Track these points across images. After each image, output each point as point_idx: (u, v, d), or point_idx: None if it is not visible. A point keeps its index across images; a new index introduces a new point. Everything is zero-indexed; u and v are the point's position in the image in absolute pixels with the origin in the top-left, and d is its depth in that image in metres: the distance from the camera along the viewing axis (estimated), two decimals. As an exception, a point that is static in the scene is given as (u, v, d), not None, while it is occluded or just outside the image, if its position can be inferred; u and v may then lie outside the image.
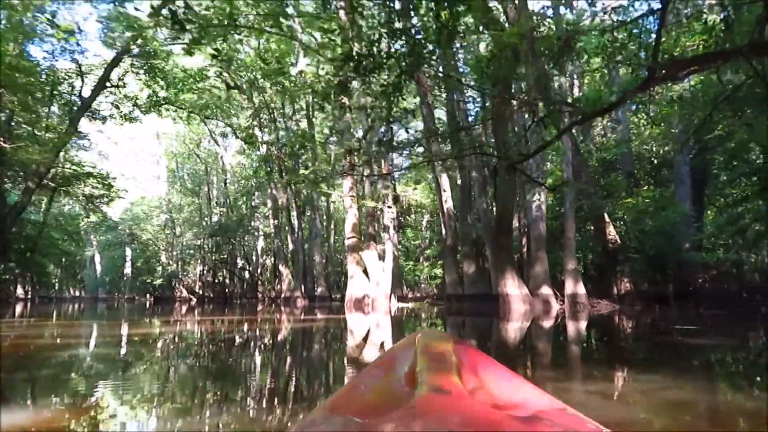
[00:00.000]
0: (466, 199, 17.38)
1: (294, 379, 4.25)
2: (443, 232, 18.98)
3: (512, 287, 13.40)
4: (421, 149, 16.62)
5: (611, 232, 15.91)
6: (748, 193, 17.50)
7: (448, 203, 17.98)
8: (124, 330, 9.67)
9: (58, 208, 41.38)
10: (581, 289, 13.84)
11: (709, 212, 19.60)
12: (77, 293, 60.96)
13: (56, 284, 58.80)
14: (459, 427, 0.66)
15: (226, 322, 11.76)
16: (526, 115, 14.94)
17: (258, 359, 5.42)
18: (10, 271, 26.99)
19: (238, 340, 7.77)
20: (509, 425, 0.71)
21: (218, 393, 3.53)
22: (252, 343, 7.23)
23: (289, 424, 2.60)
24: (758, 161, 16.98)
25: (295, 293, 26.99)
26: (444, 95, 17.54)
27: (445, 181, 18.02)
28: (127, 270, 50.99)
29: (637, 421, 2.70)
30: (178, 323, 11.86)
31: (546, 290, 14.17)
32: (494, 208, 16.97)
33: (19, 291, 46.92)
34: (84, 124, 27.75)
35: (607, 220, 16.04)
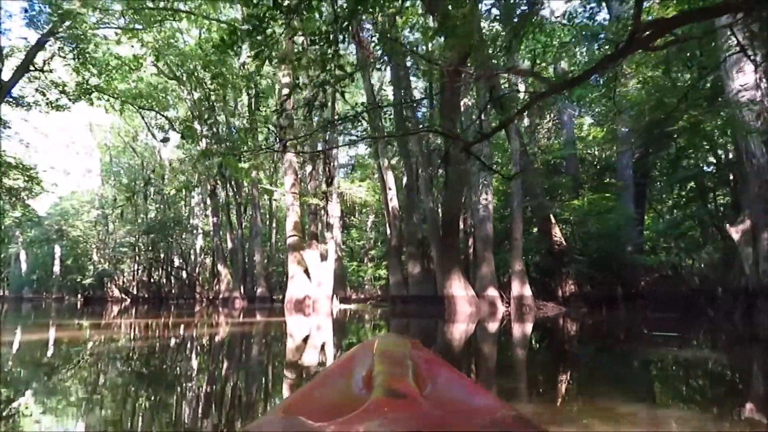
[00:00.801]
0: (412, 198, 16.91)
1: (230, 384, 4.01)
2: (388, 231, 18.46)
3: (458, 288, 12.97)
4: (361, 127, 15.74)
5: (557, 233, 15.78)
6: (685, 199, 17.91)
7: (394, 202, 17.46)
8: (51, 333, 8.82)
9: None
10: (528, 291, 13.57)
11: (647, 216, 19.93)
12: (1, 292, 57.29)
13: (-24, 282, 55.13)
14: (412, 429, 0.67)
15: (161, 325, 10.89)
16: (473, 100, 14.58)
17: (193, 365, 5.06)
18: None
19: (172, 343, 7.18)
20: (462, 428, 0.74)
21: (149, 400, 3.34)
22: (187, 348, 6.67)
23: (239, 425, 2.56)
24: (698, 166, 17.39)
25: (233, 294, 25.85)
26: (386, 68, 16.44)
27: (390, 179, 17.49)
28: (56, 268, 48.24)
29: None
30: (109, 326, 10.87)
31: (492, 292, 13.81)
32: (440, 209, 16.58)
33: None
34: (7, 112, 25.86)
35: (553, 221, 15.91)
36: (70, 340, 7.85)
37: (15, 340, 7.58)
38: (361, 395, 0.93)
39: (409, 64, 15.40)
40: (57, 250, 46.76)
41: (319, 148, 16.85)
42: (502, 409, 0.94)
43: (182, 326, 10.56)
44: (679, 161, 17.18)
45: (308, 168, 19.22)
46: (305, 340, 7.59)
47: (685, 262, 17.57)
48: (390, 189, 17.37)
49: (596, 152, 21.37)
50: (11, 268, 55.65)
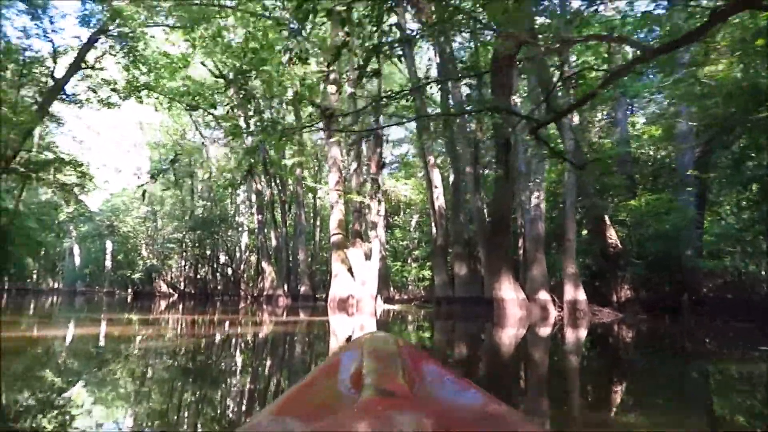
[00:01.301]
0: (458, 197, 16.40)
1: (273, 383, 3.90)
2: (434, 231, 18.00)
3: (508, 291, 12.40)
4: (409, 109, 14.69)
5: (612, 235, 15.01)
6: (750, 201, 16.79)
7: (440, 201, 16.98)
8: (102, 327, 8.77)
9: (36, 197, 40.13)
10: (582, 295, 12.86)
11: (708, 218, 18.85)
12: (55, 285, 59.39)
13: (34, 276, 57.26)
14: (403, 428, 0.66)
15: (206, 321, 10.81)
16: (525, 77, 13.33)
17: (235, 362, 4.95)
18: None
19: (217, 340, 7.11)
20: (453, 427, 0.72)
21: (188, 395, 3.32)
22: (231, 345, 6.54)
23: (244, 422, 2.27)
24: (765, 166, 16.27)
25: (277, 291, 25.89)
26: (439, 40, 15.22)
27: (436, 177, 17.02)
28: (108, 263, 49.66)
29: None
30: (156, 321, 10.85)
31: (544, 295, 13.17)
32: (486, 208, 16.02)
33: (-5, 281, 45.59)
34: (61, 109, 26.62)
35: (608, 222, 15.14)
36: (120, 334, 7.78)
37: (68, 333, 7.56)
38: (350, 395, 0.92)
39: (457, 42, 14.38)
40: (108, 245, 48.11)
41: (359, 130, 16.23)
42: (493, 405, 0.91)
43: (227, 323, 10.43)
44: (742, 161, 16.13)
45: (353, 165, 18.92)
46: (348, 340, 7.27)
47: (749, 267, 16.49)
48: (436, 187, 16.90)
49: (650, 151, 20.40)
50: (65, 262, 57.66)
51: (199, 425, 2.58)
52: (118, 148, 46.56)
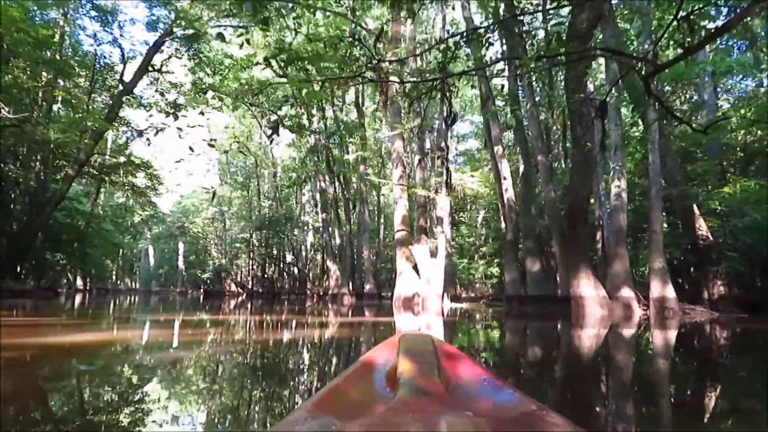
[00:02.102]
0: (529, 188, 15.46)
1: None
2: (503, 225, 17.12)
3: (587, 288, 11.39)
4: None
5: (702, 226, 13.69)
6: None
7: (509, 193, 16.07)
8: (176, 325, 8.64)
9: (113, 200, 41.94)
10: (671, 292, 11.64)
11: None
12: (133, 285, 62.06)
13: (113, 276, 60.08)
14: (440, 428, 0.65)
15: (274, 321, 10.56)
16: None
17: (302, 361, 4.68)
18: (56, 263, 26.69)
19: (285, 338, 6.87)
20: (489, 426, 0.69)
21: (254, 392, 3.15)
22: (299, 345, 6.20)
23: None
24: None
25: (342, 290, 25.65)
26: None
27: (505, 168, 16.11)
28: (180, 263, 51.32)
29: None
30: (227, 321, 10.68)
31: (627, 292, 12.03)
32: (558, 199, 14.98)
33: (79, 282, 48.05)
34: (134, 116, 27.51)
35: (697, 212, 13.82)
36: (193, 334, 7.60)
37: (144, 332, 7.44)
38: (386, 393, 0.92)
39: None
40: (181, 246, 49.69)
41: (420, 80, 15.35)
42: (529, 404, 0.88)
43: (294, 322, 10.07)
44: None
45: (416, 158, 18.28)
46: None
47: None
48: (505, 179, 16.01)
49: (739, 136, 18.70)
50: (141, 263, 60.08)
51: (255, 422, 2.41)
52: (189, 152, 47.62)
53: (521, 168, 15.66)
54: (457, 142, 39.27)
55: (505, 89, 17.71)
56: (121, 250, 56.69)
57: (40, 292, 21.28)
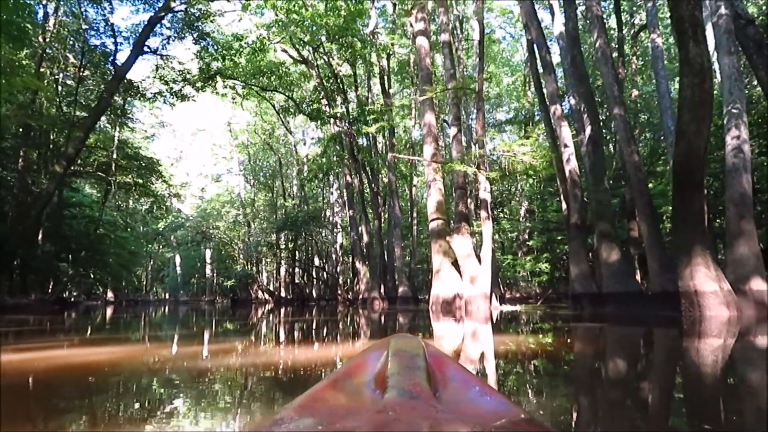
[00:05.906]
0: (599, 155, 12.02)
1: None
2: (564, 206, 13.71)
3: (705, 279, 7.87)
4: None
5: None
6: None
7: (571, 163, 12.66)
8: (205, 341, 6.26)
9: (138, 207, 40.14)
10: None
11: None
12: (164, 295, 60.46)
13: (144, 286, 58.57)
14: (425, 431, 0.66)
15: (299, 338, 7.69)
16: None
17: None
18: (63, 273, 24.36)
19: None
20: (475, 430, 0.71)
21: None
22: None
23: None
24: None
25: (372, 294, 22.51)
26: None
27: (566, 132, 12.69)
28: (207, 271, 49.48)
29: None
30: (256, 340, 7.84)
31: (759, 284, 8.52)
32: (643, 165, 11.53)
33: (110, 294, 46.42)
34: (151, 119, 25.25)
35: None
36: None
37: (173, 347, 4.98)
38: (374, 396, 0.92)
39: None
40: (207, 254, 47.72)
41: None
42: (517, 412, 0.90)
43: (320, 336, 7.09)
44: None
45: (452, 130, 15.00)
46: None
47: None
48: (566, 146, 12.58)
49: None
50: (168, 271, 58.48)
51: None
52: (212, 155, 45.68)
53: (587, 131, 12.12)
54: (493, 109, 35.84)
55: (558, 24, 14.41)
56: (151, 260, 55.31)
57: (42, 306, 18.92)
